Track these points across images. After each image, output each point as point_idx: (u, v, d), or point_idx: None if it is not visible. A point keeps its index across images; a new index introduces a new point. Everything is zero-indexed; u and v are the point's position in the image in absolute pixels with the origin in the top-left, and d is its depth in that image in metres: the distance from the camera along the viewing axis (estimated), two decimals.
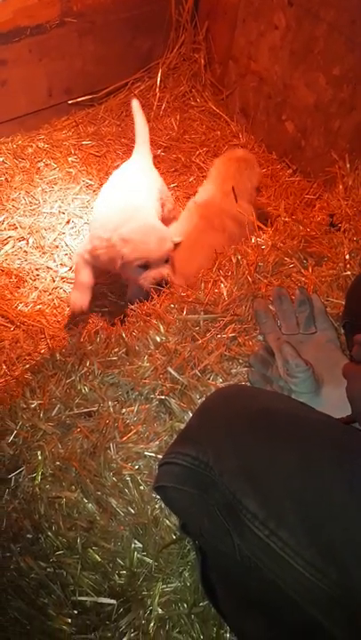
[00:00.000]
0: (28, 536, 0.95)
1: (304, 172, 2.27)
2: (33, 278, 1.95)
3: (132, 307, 1.29)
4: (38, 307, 1.86)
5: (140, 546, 0.95)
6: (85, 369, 1.13)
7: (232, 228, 1.77)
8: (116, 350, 1.17)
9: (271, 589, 0.74)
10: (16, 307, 1.84)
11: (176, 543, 0.96)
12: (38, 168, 2.25)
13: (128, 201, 1.71)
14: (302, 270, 1.34)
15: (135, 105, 1.98)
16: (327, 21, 1.86)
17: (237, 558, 0.78)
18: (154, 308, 1.27)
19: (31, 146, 2.29)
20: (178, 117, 2.50)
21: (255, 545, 0.73)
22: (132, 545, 0.95)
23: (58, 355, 1.18)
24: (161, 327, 1.20)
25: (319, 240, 1.45)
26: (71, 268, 1.95)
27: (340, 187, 1.70)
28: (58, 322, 1.83)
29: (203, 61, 2.47)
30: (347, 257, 1.36)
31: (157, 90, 2.48)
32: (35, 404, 1.10)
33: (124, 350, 1.17)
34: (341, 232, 1.46)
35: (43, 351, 1.74)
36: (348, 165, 1.74)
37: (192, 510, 0.85)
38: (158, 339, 1.19)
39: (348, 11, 1.77)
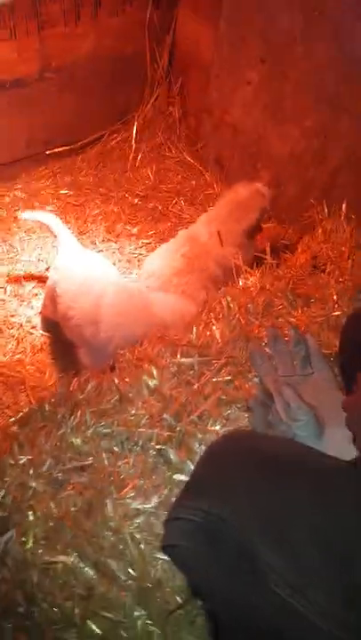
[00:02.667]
0: (20, 610, 0.86)
1: (278, 219, 2.32)
2: (10, 327, 1.89)
3: (123, 351, 1.24)
4: (17, 356, 1.79)
5: (145, 613, 0.87)
6: (77, 419, 1.07)
7: (214, 269, 1.77)
8: (108, 398, 1.11)
9: None
10: None
11: (182, 608, 0.89)
12: (15, 217, 2.23)
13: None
14: (292, 311, 1.34)
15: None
16: (295, 79, 1.96)
17: (257, 619, 0.72)
18: (145, 352, 1.23)
19: (8, 195, 2.28)
20: (154, 168, 2.55)
21: (278, 605, 0.67)
22: (136, 613, 0.86)
23: (47, 405, 1.11)
24: (154, 372, 1.16)
25: (305, 281, 1.46)
26: None
27: (320, 230, 1.73)
28: (38, 371, 1.76)
29: (177, 114, 2.55)
30: (335, 297, 1.37)
31: (133, 141, 2.53)
32: (24, 459, 1.02)
33: (116, 398, 1.12)
34: (326, 274, 1.48)
35: (22, 403, 1.66)
36: (325, 210, 1.78)
37: (205, 570, 0.78)
38: (152, 384, 1.14)
39: (315, 68, 1.86)
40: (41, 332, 1.87)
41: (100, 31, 2.18)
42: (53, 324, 1.78)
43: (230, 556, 0.73)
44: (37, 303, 1.97)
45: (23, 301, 1.97)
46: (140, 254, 2.22)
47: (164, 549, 0.82)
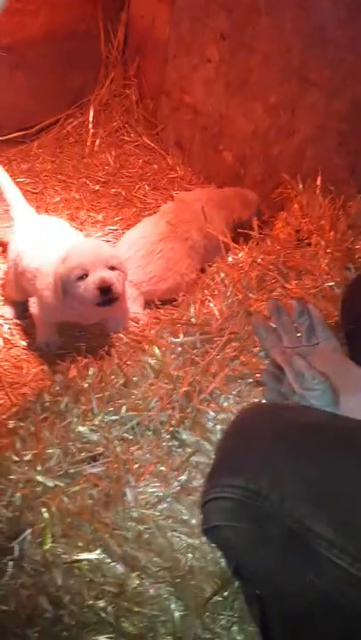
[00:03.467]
0: (47, 615, 0.78)
1: None
2: None
3: (120, 334, 1.17)
4: None
5: (181, 604, 0.81)
6: (83, 408, 0.99)
7: (197, 238, 1.74)
8: (112, 383, 1.04)
9: (359, 631, 0.65)
10: None
11: (218, 593, 0.84)
12: None
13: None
14: (285, 284, 1.32)
15: None
16: (261, 52, 1.93)
17: (311, 598, 0.68)
18: (143, 335, 1.17)
19: None
20: (113, 153, 2.46)
21: (336, 577, 0.64)
22: (172, 605, 0.81)
23: (46, 395, 1.03)
24: (157, 353, 1.10)
25: (293, 255, 1.44)
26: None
27: (296, 206, 1.72)
28: (14, 367, 1.65)
29: (134, 97, 2.47)
30: (326, 268, 1.36)
31: (90, 126, 2.44)
32: (29, 454, 0.94)
33: (122, 382, 1.05)
34: (313, 246, 1.47)
35: (2, 401, 1.55)
36: (300, 185, 1.77)
37: (250, 549, 0.74)
38: (157, 366, 1.08)
39: (281, 40, 1.84)
40: (9, 320, 1.77)
41: (53, 7, 2.07)
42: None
43: (276, 533, 0.69)
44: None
45: None
46: (109, 241, 2.13)
47: (205, 533, 0.76)
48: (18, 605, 0.79)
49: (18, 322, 1.77)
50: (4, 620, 0.78)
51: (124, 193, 2.34)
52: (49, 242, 1.60)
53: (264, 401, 1.04)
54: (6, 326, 1.76)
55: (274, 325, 1.15)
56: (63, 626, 0.78)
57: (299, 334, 1.13)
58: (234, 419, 0.89)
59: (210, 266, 1.40)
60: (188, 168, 2.47)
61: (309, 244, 1.48)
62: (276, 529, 0.69)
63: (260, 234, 1.49)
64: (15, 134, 2.27)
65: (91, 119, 2.43)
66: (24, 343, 1.72)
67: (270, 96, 2.00)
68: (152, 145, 2.51)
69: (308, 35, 1.73)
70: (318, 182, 1.71)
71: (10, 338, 1.72)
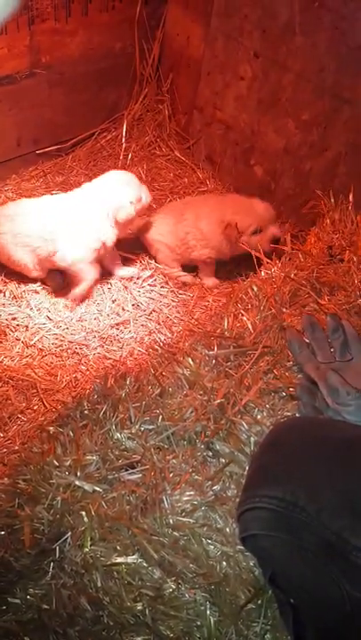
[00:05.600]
0: (87, 615, 0.81)
1: (276, 214, 2.33)
2: (13, 330, 1.82)
3: (156, 346, 1.21)
4: (25, 360, 1.72)
5: (216, 610, 0.83)
6: (120, 416, 1.03)
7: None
8: (149, 393, 1.08)
9: None
10: (1, 362, 1.69)
11: (252, 601, 0.86)
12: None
13: None
14: (318, 300, 1.33)
15: None
16: (294, 71, 1.97)
17: (347, 609, 0.70)
18: (178, 346, 1.20)
19: None
20: (145, 166, 2.51)
21: None
22: (207, 611, 0.83)
23: (85, 403, 1.07)
24: (192, 364, 1.13)
25: (326, 270, 1.45)
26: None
27: (328, 221, 1.74)
28: (48, 374, 1.70)
29: (167, 112, 2.52)
30: (359, 284, 1.37)
31: (123, 140, 2.49)
32: (68, 460, 0.97)
33: (157, 392, 1.08)
34: (346, 262, 1.48)
35: (36, 407, 1.60)
36: (332, 200, 1.79)
37: (287, 558, 0.76)
38: (191, 377, 1.11)
39: (315, 59, 1.87)
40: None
41: (90, 27, 2.14)
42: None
43: (313, 544, 0.71)
44: (36, 302, 1.91)
45: (22, 303, 1.90)
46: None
47: (243, 541, 0.79)
48: (59, 604, 0.82)
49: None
50: (45, 618, 0.81)
51: (155, 206, 2.38)
52: None
53: (298, 415, 1.06)
54: (42, 333, 1.82)
55: (308, 340, 1.17)
56: (102, 626, 0.80)
57: (332, 349, 1.15)
58: (269, 431, 0.91)
59: (243, 280, 1.43)
60: (219, 182, 2.51)
61: (342, 260, 1.50)
62: (312, 540, 0.71)
63: (293, 249, 1.51)
64: (51, 148, 2.33)
65: (124, 133, 2.49)
66: (57, 350, 1.78)
67: (303, 113, 2.02)
68: (183, 159, 2.56)
69: (343, 54, 1.76)
70: (351, 199, 1.73)
71: (45, 347, 1.77)
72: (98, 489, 0.95)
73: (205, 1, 2.14)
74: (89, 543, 0.88)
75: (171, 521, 0.91)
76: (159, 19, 2.32)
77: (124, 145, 2.51)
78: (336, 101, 1.86)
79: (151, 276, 2.08)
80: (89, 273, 1.88)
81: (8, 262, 1.90)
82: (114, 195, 1.87)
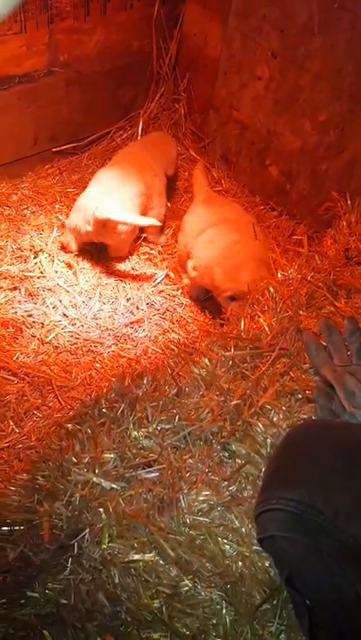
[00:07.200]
0: (105, 611, 0.82)
1: (290, 215, 2.33)
2: (29, 327, 1.84)
3: (172, 345, 1.22)
4: (40, 357, 1.74)
5: (232, 609, 0.84)
6: (138, 415, 1.04)
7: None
8: (166, 393, 1.09)
9: None
10: (17, 358, 1.71)
11: (267, 601, 0.87)
12: (24, 215, 2.17)
13: None
14: (335, 302, 1.33)
15: None
16: (312, 72, 1.96)
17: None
18: (194, 347, 1.21)
19: (16, 193, 2.22)
20: None
21: None
22: (223, 610, 0.84)
23: (103, 401, 1.08)
24: (209, 365, 1.13)
25: (342, 273, 1.45)
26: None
27: (344, 223, 1.73)
28: (63, 371, 1.71)
29: (183, 111, 2.53)
30: None
31: (139, 138, 2.50)
32: (87, 457, 0.98)
33: (174, 392, 1.09)
34: None
35: (51, 404, 1.62)
36: (349, 202, 1.79)
37: (304, 560, 0.76)
38: (208, 378, 1.12)
39: (333, 60, 1.87)
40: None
41: (108, 26, 2.15)
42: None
43: (330, 546, 0.72)
44: (52, 299, 1.92)
45: (38, 300, 1.92)
46: (159, 251, 2.20)
47: (261, 542, 0.80)
48: (77, 599, 0.84)
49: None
50: (64, 613, 0.83)
51: (169, 204, 2.39)
52: None
53: (314, 417, 1.06)
54: (57, 331, 1.84)
55: (325, 343, 1.17)
56: (120, 622, 0.82)
57: (349, 353, 1.15)
58: (286, 434, 0.91)
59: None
60: (234, 181, 2.51)
61: (358, 263, 1.50)
62: (329, 542, 0.72)
63: (310, 250, 1.51)
64: (67, 146, 2.35)
65: (140, 132, 2.50)
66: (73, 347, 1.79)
67: (320, 114, 2.02)
68: (198, 158, 2.56)
69: None
70: None
71: (60, 345, 1.78)
72: (115, 486, 0.96)
73: (223, 1, 2.15)
74: (107, 540, 0.89)
75: (187, 520, 0.92)
76: (177, 18, 2.33)
77: None
78: (354, 103, 1.85)
79: (167, 276, 2.09)
80: None
81: None
82: None
